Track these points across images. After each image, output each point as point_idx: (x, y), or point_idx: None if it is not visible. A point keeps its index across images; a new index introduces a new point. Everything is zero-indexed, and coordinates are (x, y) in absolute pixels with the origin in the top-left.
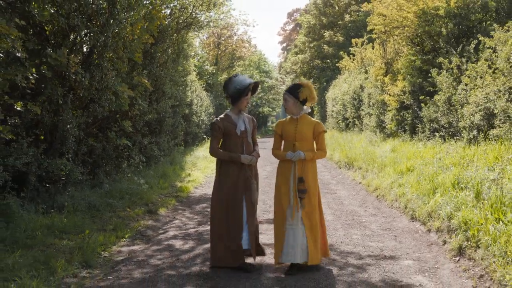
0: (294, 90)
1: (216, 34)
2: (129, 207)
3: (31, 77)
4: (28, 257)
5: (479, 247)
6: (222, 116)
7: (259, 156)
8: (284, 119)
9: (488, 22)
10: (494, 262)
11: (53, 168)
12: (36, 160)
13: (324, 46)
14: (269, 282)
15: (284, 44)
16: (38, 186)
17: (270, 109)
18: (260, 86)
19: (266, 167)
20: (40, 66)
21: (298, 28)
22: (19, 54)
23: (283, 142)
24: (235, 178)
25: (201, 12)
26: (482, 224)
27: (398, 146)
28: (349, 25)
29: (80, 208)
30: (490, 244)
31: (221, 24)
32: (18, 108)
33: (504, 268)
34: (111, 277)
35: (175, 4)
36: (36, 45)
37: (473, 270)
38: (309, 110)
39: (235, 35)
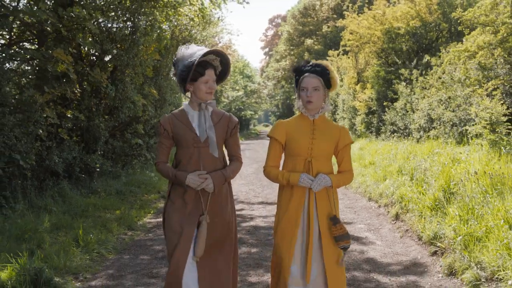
0: (324, 73)
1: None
2: (146, 193)
3: (76, 91)
4: (89, 223)
5: (408, 212)
6: (175, 111)
7: (224, 180)
8: (288, 120)
9: (443, 39)
10: (414, 220)
11: (90, 162)
12: (79, 155)
13: (305, 54)
14: None
15: (266, 49)
16: (79, 176)
17: (252, 112)
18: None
19: (252, 165)
20: (81, 82)
21: (280, 34)
22: (71, 76)
23: (283, 155)
24: (185, 211)
25: (198, 31)
26: (411, 197)
27: (365, 145)
28: (327, 35)
29: (110, 193)
30: (414, 209)
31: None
32: (68, 115)
33: (419, 223)
34: (150, 235)
35: (175, 23)
36: (81, 67)
37: (402, 227)
38: (330, 108)
39: (220, 42)
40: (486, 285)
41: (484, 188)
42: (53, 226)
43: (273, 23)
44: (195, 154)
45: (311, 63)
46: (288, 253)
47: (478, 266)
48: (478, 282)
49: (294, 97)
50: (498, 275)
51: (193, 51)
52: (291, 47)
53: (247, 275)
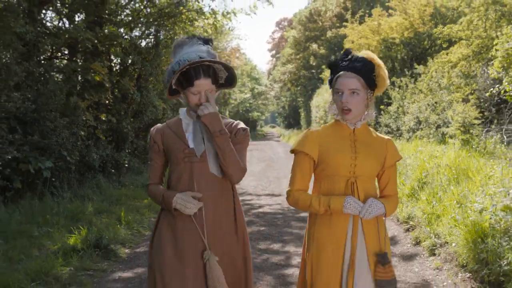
0: (366, 70)
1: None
2: None
3: (109, 97)
4: (126, 208)
5: None
6: (171, 119)
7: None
8: (319, 128)
9: (436, 47)
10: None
11: (119, 159)
12: (111, 153)
13: (310, 58)
14: None
15: (273, 52)
16: (110, 171)
17: (259, 114)
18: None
19: (260, 164)
20: (113, 90)
21: (286, 38)
22: (107, 84)
23: (313, 174)
24: (180, 246)
25: None
26: None
27: None
28: (332, 40)
29: (137, 185)
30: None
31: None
32: (103, 118)
33: (399, 208)
34: None
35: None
36: (113, 76)
37: None
38: (374, 115)
39: (229, 46)
40: (440, 248)
41: (447, 177)
42: (96, 210)
43: (280, 26)
44: (187, 171)
45: (350, 56)
46: None
47: (436, 236)
48: (434, 247)
49: (300, 99)
50: (447, 240)
51: (190, 51)
52: (297, 51)
53: (258, 244)
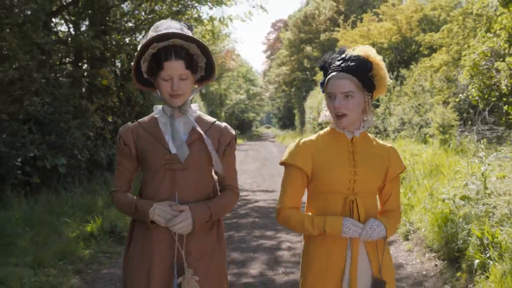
0: (361, 69)
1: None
2: None
3: (115, 100)
4: None
5: None
6: (144, 118)
7: (208, 216)
8: (313, 137)
9: (421, 52)
10: None
11: None
12: None
13: (304, 60)
14: None
15: (268, 53)
16: (115, 168)
17: (255, 114)
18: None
19: (255, 163)
20: (118, 93)
21: (281, 40)
22: (113, 88)
23: (306, 189)
24: (153, 264)
25: (207, 45)
26: None
27: None
28: (325, 43)
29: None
30: None
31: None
32: (110, 120)
33: None
34: None
35: None
36: (119, 81)
37: None
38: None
39: (224, 49)
40: (413, 234)
41: (422, 172)
42: (106, 204)
43: (275, 27)
44: (167, 180)
45: (344, 55)
46: None
47: (410, 224)
48: (408, 233)
49: (294, 100)
50: (418, 226)
51: (165, 26)
52: (291, 53)
53: (253, 233)
